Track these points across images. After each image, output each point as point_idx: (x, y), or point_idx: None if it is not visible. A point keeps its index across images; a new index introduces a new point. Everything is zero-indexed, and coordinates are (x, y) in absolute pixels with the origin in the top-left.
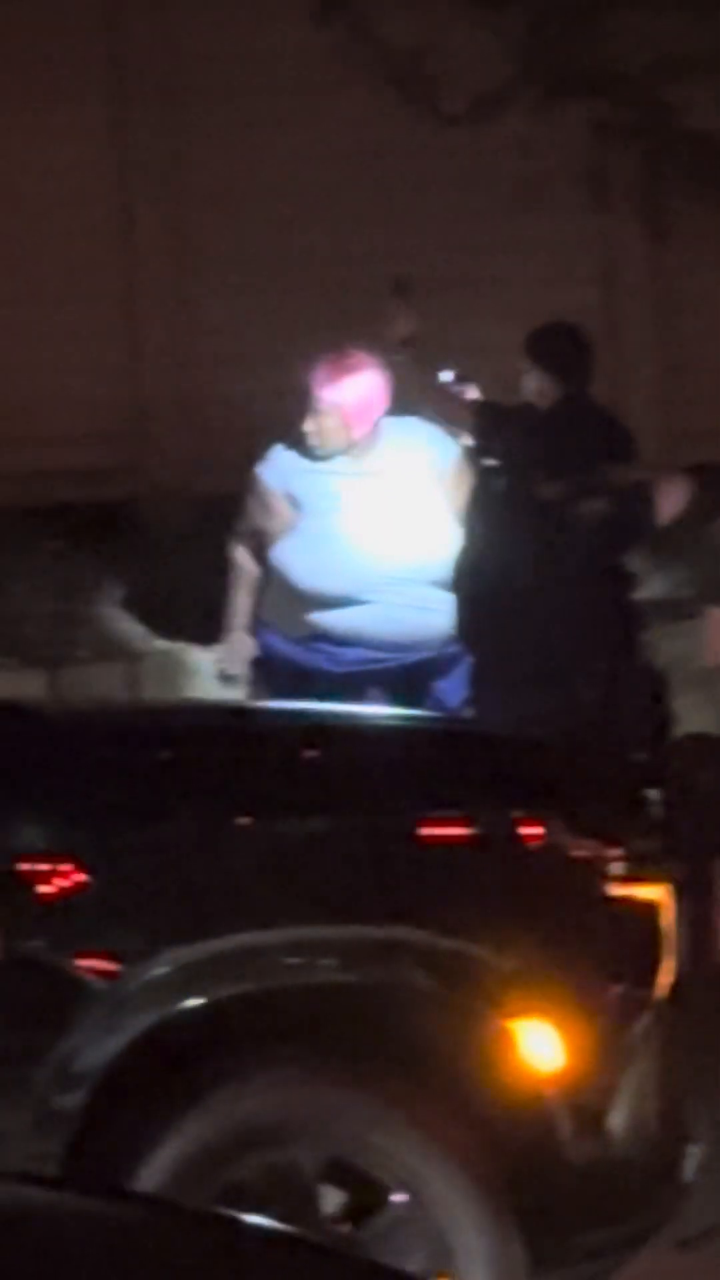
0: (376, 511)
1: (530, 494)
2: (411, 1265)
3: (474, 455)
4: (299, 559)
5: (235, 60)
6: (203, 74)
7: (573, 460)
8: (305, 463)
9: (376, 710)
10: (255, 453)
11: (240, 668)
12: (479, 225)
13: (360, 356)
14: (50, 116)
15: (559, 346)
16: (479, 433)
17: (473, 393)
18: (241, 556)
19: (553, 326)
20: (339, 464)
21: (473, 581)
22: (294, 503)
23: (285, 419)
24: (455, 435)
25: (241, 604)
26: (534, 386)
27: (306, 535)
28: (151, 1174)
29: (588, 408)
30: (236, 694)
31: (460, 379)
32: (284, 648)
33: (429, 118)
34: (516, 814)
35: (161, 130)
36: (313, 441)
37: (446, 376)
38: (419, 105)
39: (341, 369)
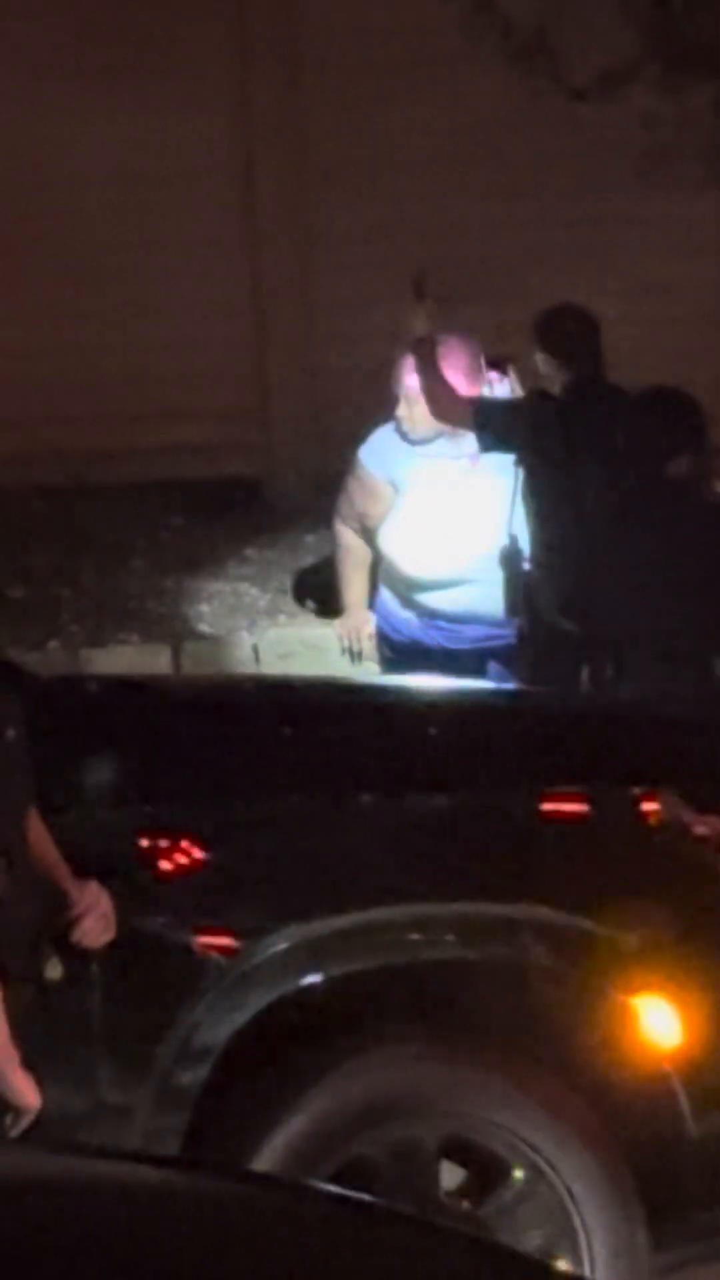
0: (473, 494)
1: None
2: (531, 1242)
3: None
4: (402, 544)
5: (359, 34)
6: (326, 48)
7: (585, 448)
8: (405, 446)
9: (498, 686)
10: (373, 430)
11: (362, 644)
12: (601, 199)
13: (452, 341)
14: (174, 90)
15: (564, 330)
16: (477, 429)
17: (501, 380)
18: (347, 536)
19: (558, 309)
20: (437, 447)
21: (574, 562)
22: (394, 486)
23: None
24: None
25: (355, 581)
26: (543, 372)
27: (408, 520)
28: (273, 1151)
29: (599, 392)
30: (362, 670)
31: (497, 364)
32: (401, 624)
33: (553, 92)
34: (637, 790)
35: (285, 105)
36: (404, 427)
37: (493, 376)
38: (542, 80)
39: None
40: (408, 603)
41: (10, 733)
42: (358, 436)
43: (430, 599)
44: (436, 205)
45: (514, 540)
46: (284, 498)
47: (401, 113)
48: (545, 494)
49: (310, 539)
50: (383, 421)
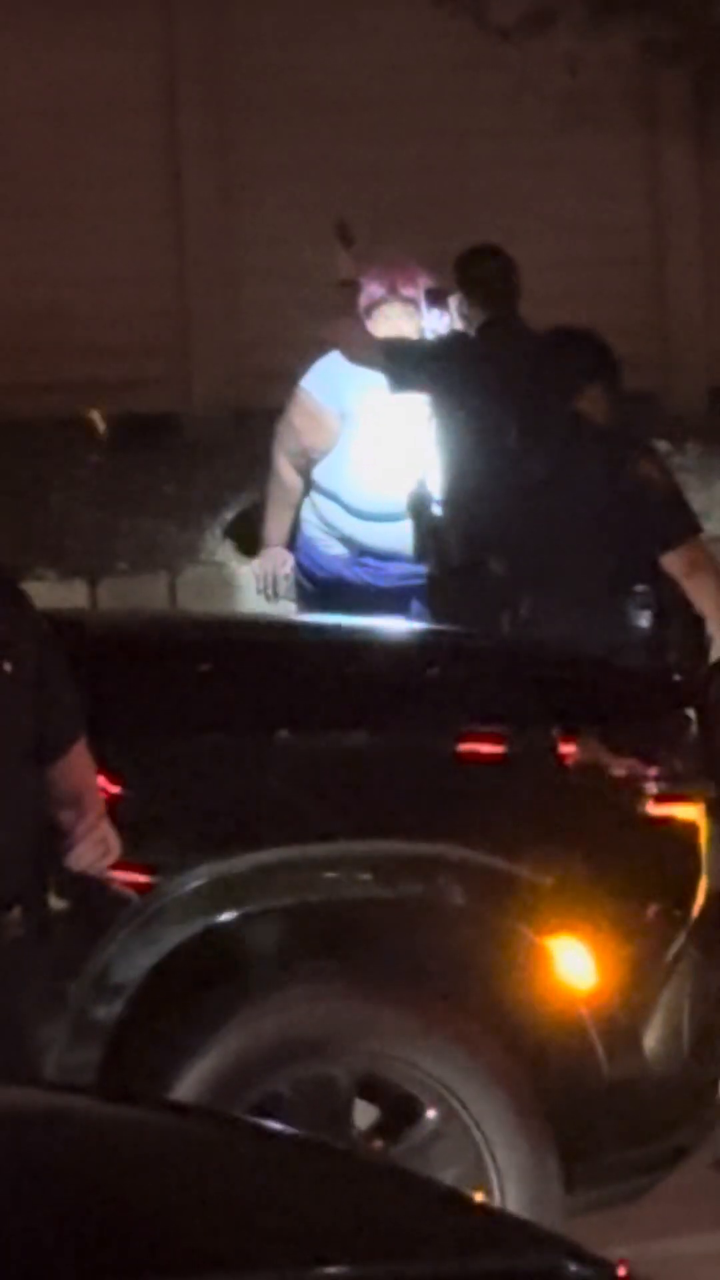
0: (412, 427)
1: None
2: (445, 1180)
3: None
4: (348, 474)
5: None
6: None
7: (498, 388)
8: (354, 375)
9: (417, 625)
10: (298, 366)
11: (278, 583)
12: (525, 141)
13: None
14: (96, 24)
15: (479, 270)
16: (387, 371)
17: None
18: (286, 473)
19: (475, 250)
20: (374, 376)
21: (488, 506)
22: (342, 416)
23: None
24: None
25: (281, 518)
26: (460, 312)
27: (356, 449)
28: (187, 1086)
29: (514, 332)
30: (278, 608)
31: (435, 294)
32: (326, 562)
33: (477, 31)
34: (555, 731)
35: (209, 40)
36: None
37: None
38: (466, 18)
39: (415, 270)
40: (338, 538)
41: (7, 666)
42: (281, 372)
43: (364, 532)
44: (360, 144)
45: (422, 484)
46: (204, 434)
47: (326, 50)
48: (458, 435)
49: (230, 476)
50: (322, 352)
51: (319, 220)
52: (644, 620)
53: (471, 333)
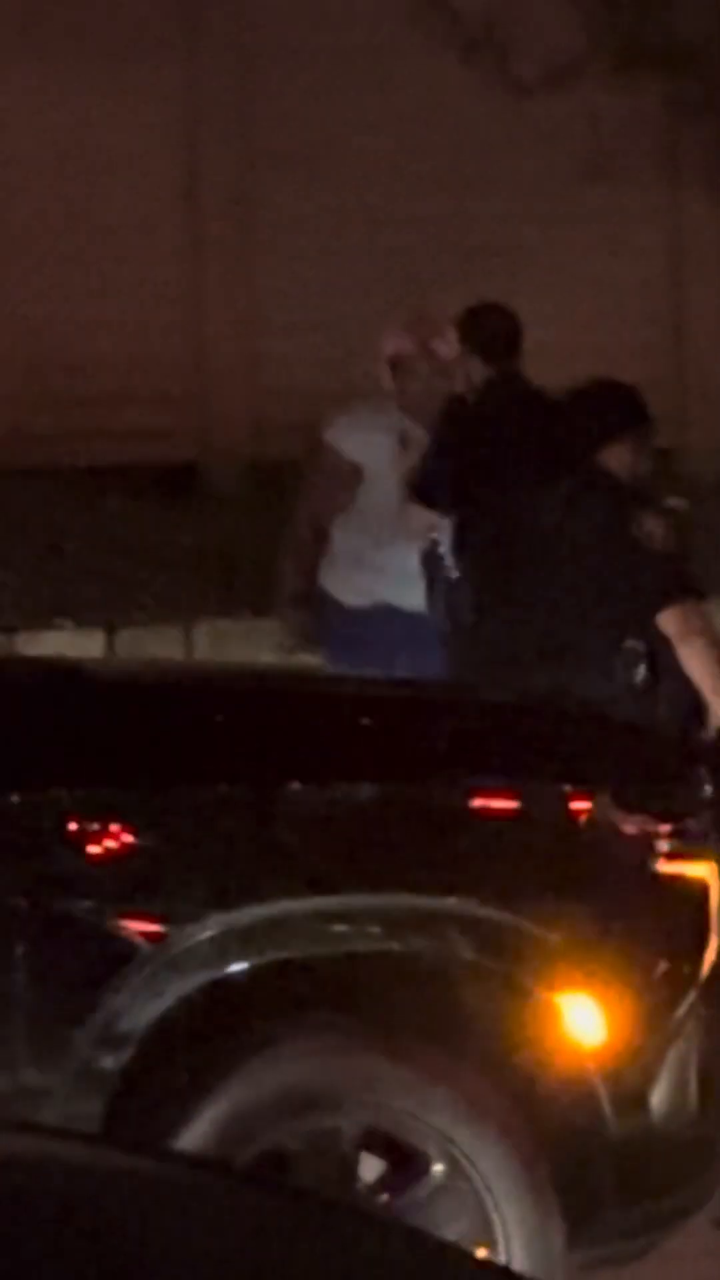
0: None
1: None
2: (449, 1236)
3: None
4: (368, 529)
5: (308, 20)
6: (275, 33)
7: (505, 445)
8: (378, 428)
9: (432, 680)
10: (317, 417)
11: (295, 642)
12: (547, 194)
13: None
14: (121, 72)
15: (484, 328)
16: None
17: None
18: (306, 531)
19: (480, 308)
20: (400, 423)
21: (477, 562)
22: (363, 468)
23: (350, 384)
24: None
25: (301, 578)
26: (465, 368)
27: (377, 502)
28: (191, 1137)
29: (516, 389)
30: (296, 659)
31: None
32: (344, 617)
33: (500, 85)
34: (567, 787)
35: (233, 89)
36: (417, 402)
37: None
38: (491, 72)
39: (446, 326)
40: (360, 592)
41: None
42: (301, 423)
43: (385, 587)
44: (382, 195)
45: (434, 544)
46: (222, 485)
47: (349, 101)
48: (465, 496)
49: (247, 527)
50: (347, 405)
51: (338, 271)
52: (635, 676)
53: (472, 389)
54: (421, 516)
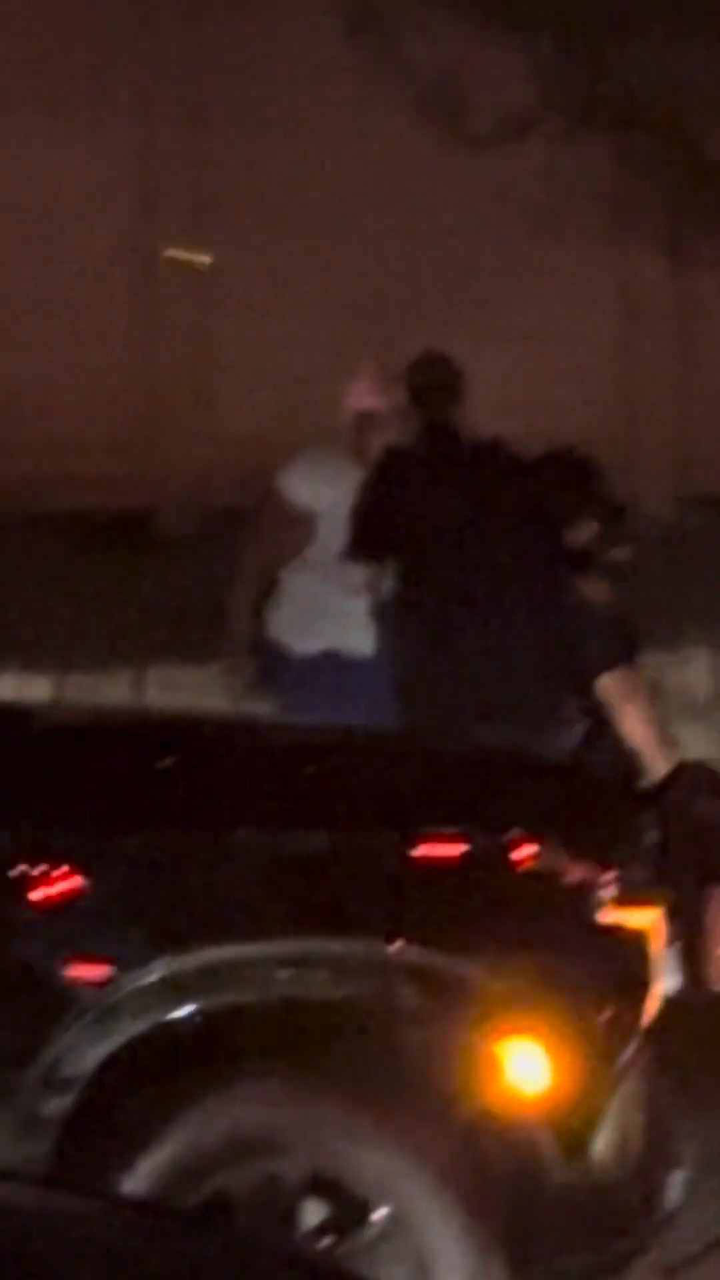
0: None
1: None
2: None
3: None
4: (318, 576)
5: (261, 74)
6: (228, 86)
7: (437, 497)
8: (331, 476)
9: (376, 727)
10: (269, 465)
11: (243, 688)
12: (499, 248)
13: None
14: (75, 124)
15: (422, 377)
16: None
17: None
18: (255, 576)
19: (421, 356)
20: (355, 475)
21: (419, 615)
22: (315, 517)
23: (304, 431)
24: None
25: (250, 624)
26: (405, 418)
27: (327, 551)
28: (135, 1181)
29: (451, 438)
30: (244, 705)
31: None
32: (293, 664)
33: (452, 139)
34: (511, 835)
35: (185, 142)
36: (371, 452)
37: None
38: (443, 126)
39: (394, 377)
40: (307, 638)
41: None
42: (253, 470)
43: (335, 634)
44: (334, 248)
45: (381, 594)
46: (173, 531)
47: (302, 154)
48: (404, 549)
49: (199, 573)
50: (300, 452)
51: (292, 322)
52: (572, 739)
53: (410, 439)
54: (355, 572)
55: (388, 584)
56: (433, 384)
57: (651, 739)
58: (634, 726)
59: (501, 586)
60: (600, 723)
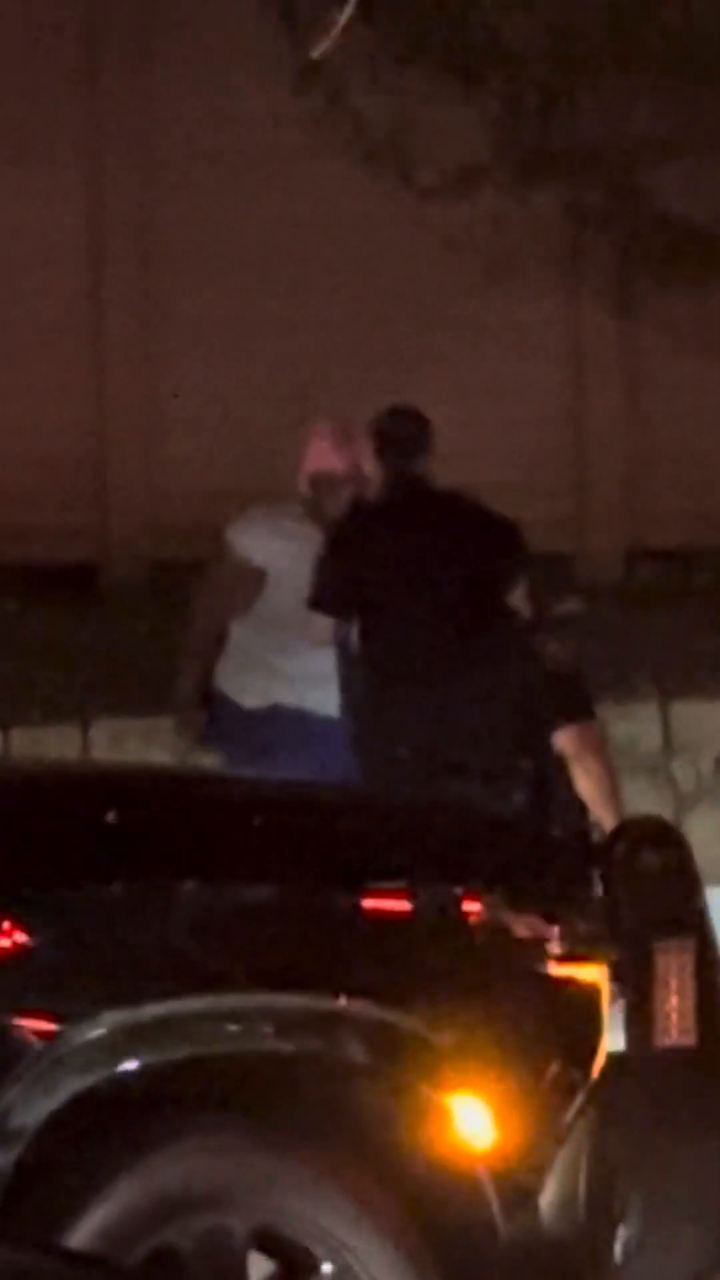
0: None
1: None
2: None
3: None
4: (267, 632)
5: (210, 125)
6: (177, 137)
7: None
8: (283, 532)
9: (323, 781)
10: (219, 518)
11: (191, 742)
12: (448, 301)
13: (315, 429)
14: (22, 172)
15: (387, 430)
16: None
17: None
18: (204, 630)
19: (387, 410)
20: (307, 531)
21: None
22: (266, 571)
23: (252, 485)
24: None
25: (197, 670)
26: (370, 472)
27: (277, 606)
28: (80, 1236)
29: (420, 494)
30: (192, 759)
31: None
32: (241, 718)
33: (402, 191)
34: (458, 888)
35: (133, 191)
36: (326, 511)
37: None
38: (392, 178)
39: (352, 436)
40: (253, 693)
41: None
42: (202, 524)
43: (283, 689)
44: (284, 299)
45: (343, 648)
46: (120, 585)
47: (251, 205)
48: (366, 602)
49: (145, 627)
50: (250, 505)
51: (239, 373)
52: (523, 797)
53: (375, 490)
54: (319, 623)
55: (352, 637)
56: (403, 436)
57: (605, 794)
58: (588, 782)
59: (459, 641)
60: (549, 778)
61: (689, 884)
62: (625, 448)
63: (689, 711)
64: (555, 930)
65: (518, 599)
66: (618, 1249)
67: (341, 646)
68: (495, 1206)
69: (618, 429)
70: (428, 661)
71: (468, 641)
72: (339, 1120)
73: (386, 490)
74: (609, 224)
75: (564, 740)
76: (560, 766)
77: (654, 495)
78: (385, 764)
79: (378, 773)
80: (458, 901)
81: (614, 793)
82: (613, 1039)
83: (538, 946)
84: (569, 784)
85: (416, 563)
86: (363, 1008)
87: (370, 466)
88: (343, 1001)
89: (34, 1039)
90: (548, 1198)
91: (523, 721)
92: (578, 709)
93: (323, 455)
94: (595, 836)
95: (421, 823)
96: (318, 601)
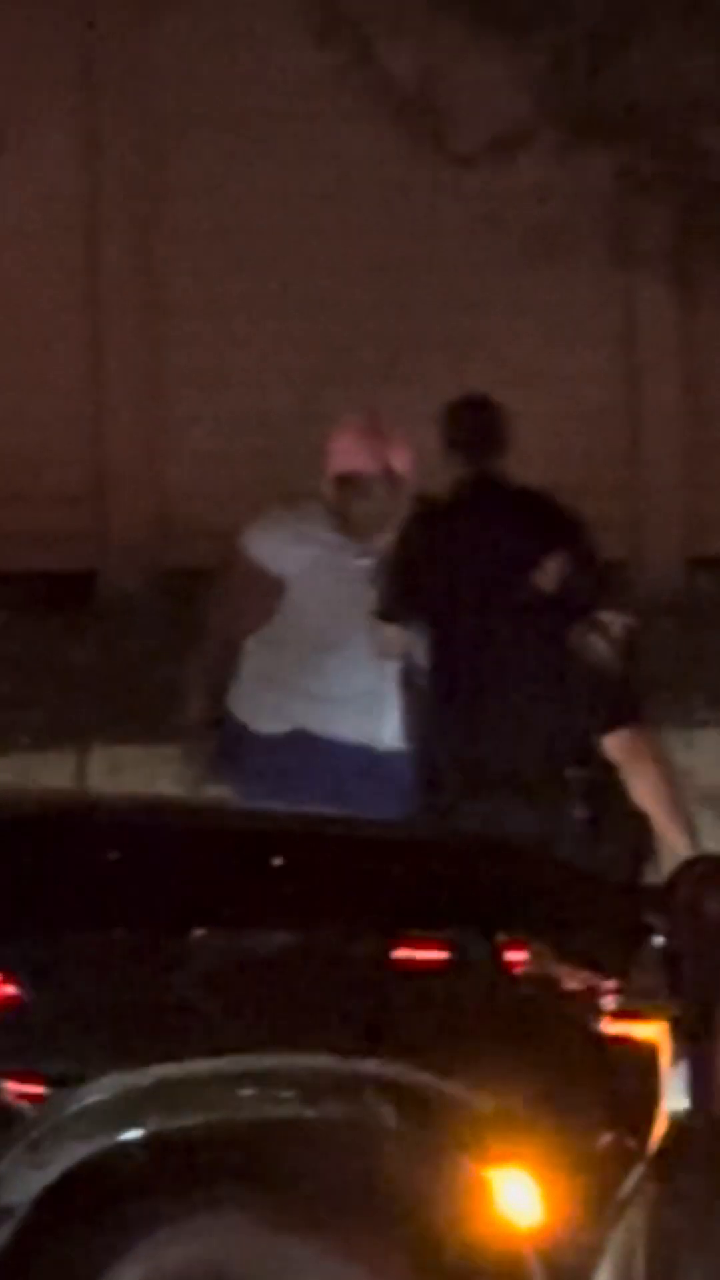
0: (368, 593)
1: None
2: None
3: None
4: (288, 648)
5: (220, 85)
6: (183, 99)
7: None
8: (303, 537)
9: (349, 816)
10: (232, 521)
11: (200, 771)
12: (487, 280)
13: (346, 423)
14: (17, 146)
15: (460, 422)
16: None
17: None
18: (215, 646)
19: (459, 400)
20: (331, 538)
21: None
22: (285, 581)
23: (269, 484)
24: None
25: (209, 700)
26: (445, 468)
27: (298, 619)
28: None
29: (495, 492)
30: (200, 790)
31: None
32: (257, 745)
33: (435, 156)
34: (501, 937)
35: (135, 161)
36: (366, 523)
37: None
38: (425, 142)
39: (401, 441)
40: (273, 718)
41: None
42: (209, 527)
43: (305, 713)
44: (302, 279)
45: (409, 657)
46: (121, 595)
47: (265, 173)
48: (438, 612)
49: (149, 642)
50: (271, 505)
51: (254, 363)
52: (577, 809)
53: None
54: (393, 636)
55: (419, 648)
56: (476, 430)
57: (667, 805)
58: (646, 791)
59: (516, 649)
60: (605, 798)
61: None
62: (684, 443)
63: None
64: (609, 983)
65: (549, 578)
66: None
67: (406, 672)
68: None
69: (676, 422)
70: (503, 673)
71: (522, 645)
72: (367, 1196)
73: (459, 489)
74: (666, 192)
75: (613, 746)
76: (614, 775)
77: (713, 494)
78: (461, 783)
79: (451, 794)
80: (500, 951)
81: (675, 802)
82: (673, 1104)
83: (589, 1001)
84: (623, 795)
85: (491, 568)
86: (394, 1069)
87: (403, 465)
88: (372, 1062)
89: (25, 1104)
90: None
91: (569, 726)
92: (624, 711)
93: (350, 454)
94: (653, 860)
95: (460, 862)
96: (388, 611)
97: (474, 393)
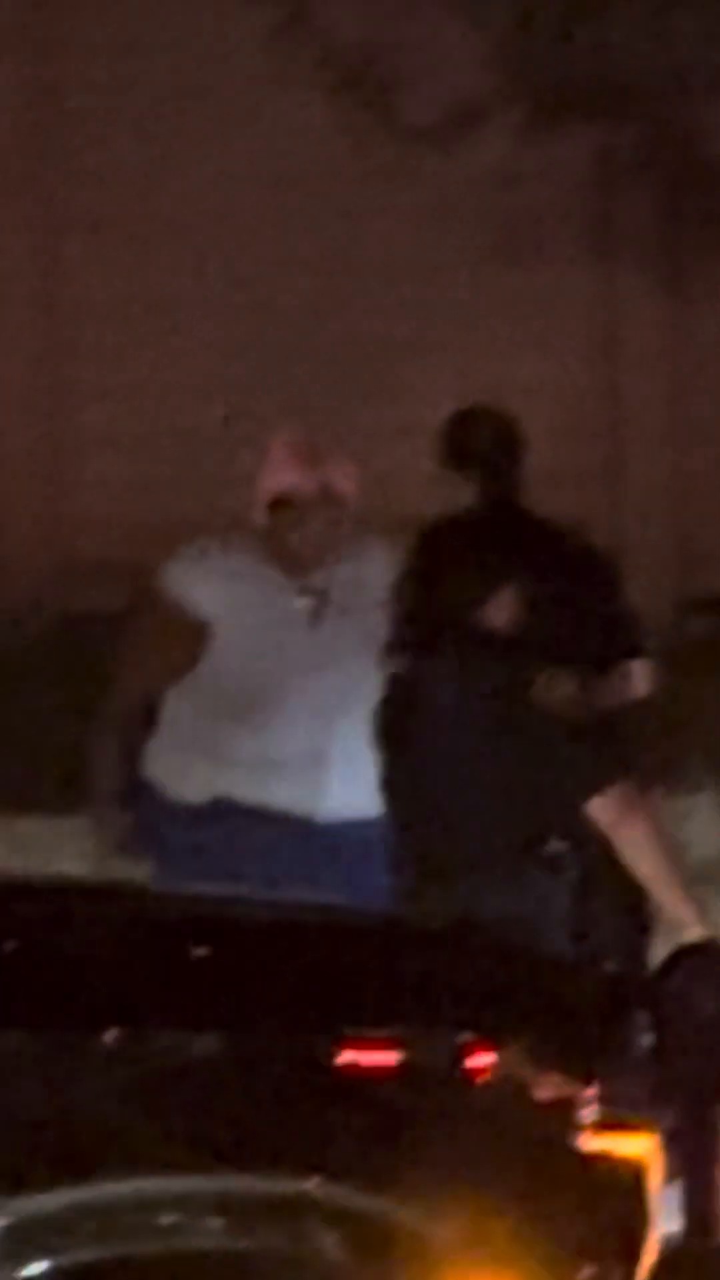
0: (319, 643)
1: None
2: None
3: None
4: (212, 703)
5: (133, 48)
6: (90, 65)
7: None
8: (230, 573)
9: (286, 899)
10: (147, 556)
11: (111, 846)
12: (447, 274)
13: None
14: None
15: (465, 439)
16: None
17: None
18: (129, 704)
19: (464, 413)
20: (264, 572)
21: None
22: (210, 624)
23: (190, 514)
24: None
25: (121, 765)
26: (445, 490)
27: (225, 669)
28: None
29: (514, 518)
30: (114, 869)
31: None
32: (177, 816)
33: (384, 133)
34: (464, 1037)
35: (30, 138)
36: (304, 554)
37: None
38: (372, 116)
39: (344, 459)
40: (194, 785)
41: None
42: (119, 565)
43: (229, 780)
44: (225, 275)
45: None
46: (17, 643)
47: (180, 154)
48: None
49: (51, 699)
50: (191, 539)
51: (168, 373)
52: (560, 890)
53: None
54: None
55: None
56: (486, 447)
57: (665, 873)
58: (635, 853)
59: (460, 700)
60: (590, 873)
61: None
62: (672, 463)
63: None
64: (588, 1090)
65: (493, 611)
66: None
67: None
68: None
69: (662, 439)
70: (430, 732)
71: (453, 698)
72: None
73: (476, 511)
74: (648, 174)
75: (598, 809)
76: (603, 846)
77: (710, 528)
78: (422, 865)
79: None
80: (461, 1054)
81: (675, 869)
82: (665, 1228)
83: (566, 1112)
84: (616, 867)
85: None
86: (338, 1192)
87: (345, 484)
88: (312, 1184)
89: None
90: None
91: (542, 788)
92: (607, 769)
93: (285, 475)
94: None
95: (417, 951)
96: (397, 646)
97: (479, 403)
